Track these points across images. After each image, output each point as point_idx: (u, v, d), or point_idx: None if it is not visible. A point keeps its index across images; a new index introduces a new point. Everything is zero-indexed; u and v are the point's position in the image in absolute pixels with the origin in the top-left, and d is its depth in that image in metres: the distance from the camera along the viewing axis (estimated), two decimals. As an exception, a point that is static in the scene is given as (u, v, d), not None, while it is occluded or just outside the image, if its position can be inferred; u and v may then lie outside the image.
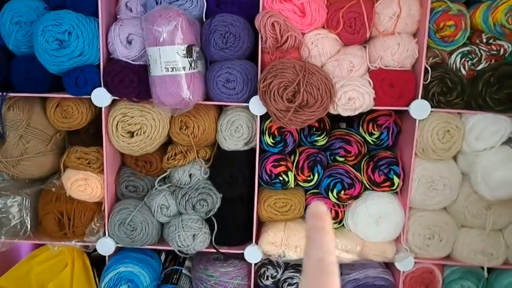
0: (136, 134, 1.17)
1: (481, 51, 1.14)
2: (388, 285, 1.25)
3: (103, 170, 1.21)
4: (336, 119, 1.29)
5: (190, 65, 1.08)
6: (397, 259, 1.21)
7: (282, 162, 1.22)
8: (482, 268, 1.22)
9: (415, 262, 1.23)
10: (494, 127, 1.13)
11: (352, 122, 1.31)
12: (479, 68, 1.14)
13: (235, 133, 1.21)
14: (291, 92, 1.06)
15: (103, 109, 1.17)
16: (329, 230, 0.40)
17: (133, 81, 1.13)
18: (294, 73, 1.05)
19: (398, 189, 1.21)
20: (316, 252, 0.38)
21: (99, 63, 1.15)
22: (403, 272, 1.24)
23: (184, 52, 1.06)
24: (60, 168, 1.24)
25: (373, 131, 1.24)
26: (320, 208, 0.40)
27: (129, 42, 1.15)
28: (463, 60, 1.14)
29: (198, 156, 1.22)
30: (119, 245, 1.25)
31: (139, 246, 1.23)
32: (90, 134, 1.22)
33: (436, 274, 1.25)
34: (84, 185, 1.21)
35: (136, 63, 1.14)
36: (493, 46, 1.14)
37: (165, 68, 1.06)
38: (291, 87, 1.05)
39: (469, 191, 1.18)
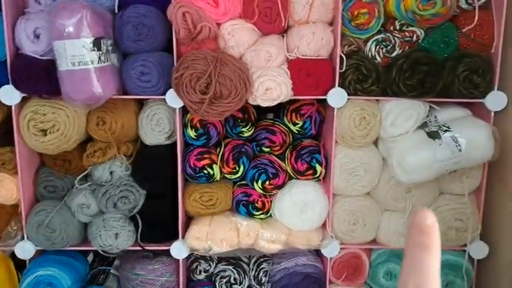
0: (50, 132, 1.12)
1: (395, 38, 1.16)
2: (316, 272, 1.26)
3: (18, 171, 1.16)
4: (264, 110, 1.28)
5: (100, 58, 1.04)
6: (322, 246, 1.23)
7: (205, 155, 1.21)
8: (406, 250, 1.25)
9: (341, 248, 1.25)
10: (408, 112, 1.16)
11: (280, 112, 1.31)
12: (393, 54, 1.16)
13: (156, 127, 1.19)
14: (204, 84, 1.04)
15: (13, 107, 1.12)
16: (435, 249, 0.32)
17: (41, 77, 1.08)
18: (205, 64, 1.04)
19: (321, 177, 1.23)
20: (415, 277, 0.31)
21: (6, 60, 1.10)
22: (331, 258, 1.25)
23: (91, 45, 1.02)
24: (-27, 171, 1.18)
25: (296, 121, 1.24)
26: (427, 219, 0.32)
27: (37, 37, 1.10)
28: (378, 47, 1.16)
29: (119, 153, 1.19)
30: (40, 248, 1.21)
31: (60, 248, 1.19)
32: (2, 133, 1.16)
33: (363, 258, 1.27)
34: (-2, 187, 1.16)
35: (44, 58, 1.09)
36: (406, 33, 1.16)
37: (71, 62, 1.02)
38: (203, 79, 1.03)
39: (390, 175, 1.21)
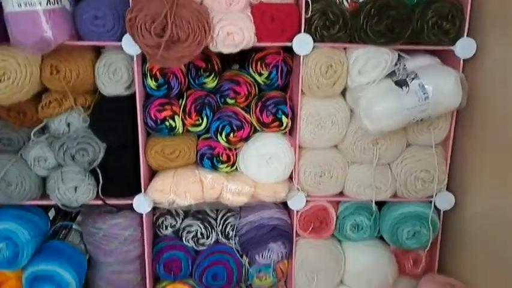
0: (0, 81, 1.06)
1: (363, -18, 1.11)
2: (282, 224, 1.25)
3: (-31, 123, 1.10)
4: (229, 60, 1.24)
5: (49, 0, 0.98)
6: (288, 198, 1.21)
7: (166, 107, 1.16)
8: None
9: (308, 200, 1.24)
10: (376, 60, 1.12)
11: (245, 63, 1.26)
12: (361, 0, 1.12)
13: (114, 76, 1.13)
14: (160, 26, 0.99)
15: (-41, 55, 1.05)
16: None
17: (-12, 22, 1.01)
18: (160, 5, 0.98)
19: (287, 129, 1.20)
20: None
21: (-51, 3, 1.02)
22: (297, 211, 1.24)
23: (38, -15, 0.95)
24: None
25: (261, 71, 1.20)
26: None
27: (-19, -22, 1.03)
28: (345, -8, 1.11)
29: (76, 104, 1.14)
30: (-3, 203, 1.17)
31: (17, 202, 1.15)
32: (-51, 83, 1.10)
33: (330, 211, 1.27)
34: (-51, 140, 1.11)
35: (-10, 1, 1.02)
36: (374, -23, 1.11)
37: (17, 3, 0.96)
38: (158, 21, 0.97)
39: (357, 127, 1.19)
